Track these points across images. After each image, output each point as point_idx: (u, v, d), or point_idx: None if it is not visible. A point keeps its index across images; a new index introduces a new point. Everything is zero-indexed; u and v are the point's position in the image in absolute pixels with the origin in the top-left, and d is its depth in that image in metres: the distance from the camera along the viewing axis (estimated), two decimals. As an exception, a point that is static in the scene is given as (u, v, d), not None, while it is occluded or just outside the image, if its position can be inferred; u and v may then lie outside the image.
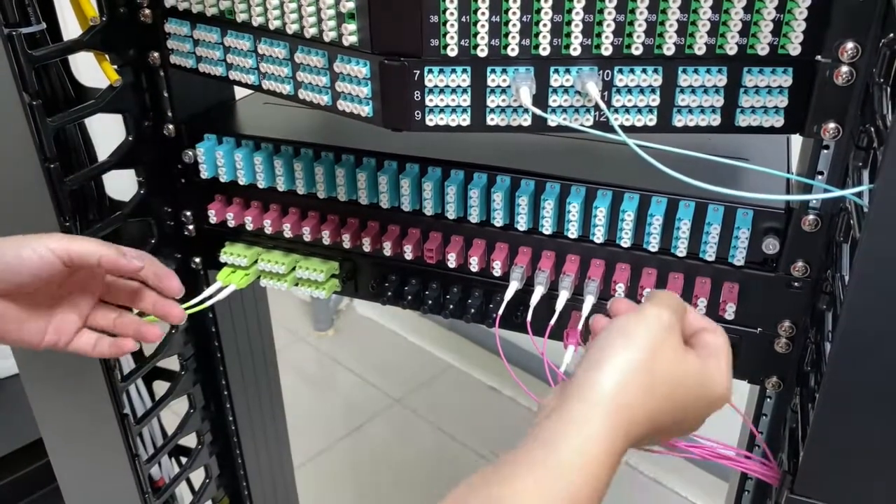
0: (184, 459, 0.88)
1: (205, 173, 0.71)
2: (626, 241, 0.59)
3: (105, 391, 0.73)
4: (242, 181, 0.70)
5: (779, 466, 0.55)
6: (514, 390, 1.84)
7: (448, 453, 1.71)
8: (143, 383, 0.81)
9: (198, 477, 0.91)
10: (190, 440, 0.88)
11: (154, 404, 0.80)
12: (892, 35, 0.44)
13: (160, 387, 0.83)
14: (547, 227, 0.61)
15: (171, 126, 0.72)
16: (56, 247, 0.55)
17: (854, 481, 0.46)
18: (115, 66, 0.67)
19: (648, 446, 0.50)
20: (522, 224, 0.62)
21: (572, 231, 0.61)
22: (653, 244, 0.59)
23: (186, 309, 0.67)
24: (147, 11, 0.67)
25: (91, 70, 0.69)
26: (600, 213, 0.60)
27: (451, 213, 0.64)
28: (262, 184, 0.70)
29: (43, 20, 0.63)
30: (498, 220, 0.62)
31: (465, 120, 0.53)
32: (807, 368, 0.56)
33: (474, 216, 0.63)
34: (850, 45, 0.47)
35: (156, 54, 0.69)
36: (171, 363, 0.83)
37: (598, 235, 0.61)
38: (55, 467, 0.83)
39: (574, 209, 0.60)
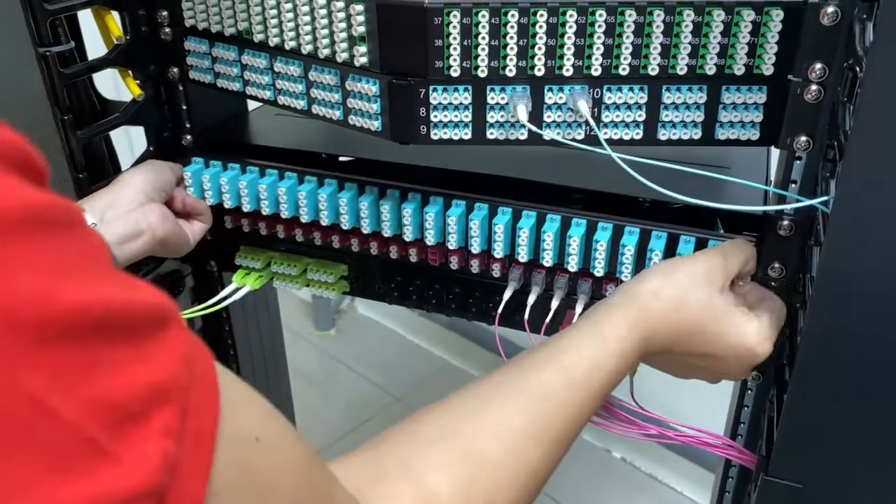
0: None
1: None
2: (625, 275, 0.62)
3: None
4: (228, 204, 0.72)
5: (757, 452, 0.60)
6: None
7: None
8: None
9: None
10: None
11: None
12: (852, 60, 0.49)
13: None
14: (547, 260, 0.63)
15: (188, 137, 0.77)
16: (167, 166, 0.71)
17: (821, 463, 0.50)
18: (138, 82, 0.72)
19: (667, 368, 0.59)
20: (523, 255, 0.63)
21: (572, 264, 0.63)
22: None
23: (203, 310, 0.71)
24: (167, 30, 0.71)
25: (103, 82, 0.74)
26: (601, 247, 0.61)
27: (453, 244, 0.66)
28: (247, 207, 0.72)
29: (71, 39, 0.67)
30: (498, 251, 0.64)
31: (466, 134, 0.58)
32: (783, 362, 0.61)
33: (475, 246, 0.65)
34: (818, 65, 0.52)
35: (175, 70, 0.73)
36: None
37: (599, 269, 0.62)
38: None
39: (574, 242, 0.62)
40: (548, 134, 0.57)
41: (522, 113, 0.55)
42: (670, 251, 0.61)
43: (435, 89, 0.56)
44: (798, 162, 0.58)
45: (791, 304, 0.61)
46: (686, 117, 0.56)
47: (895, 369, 0.45)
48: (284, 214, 0.70)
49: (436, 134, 0.58)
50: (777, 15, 0.52)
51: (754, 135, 0.56)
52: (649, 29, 0.53)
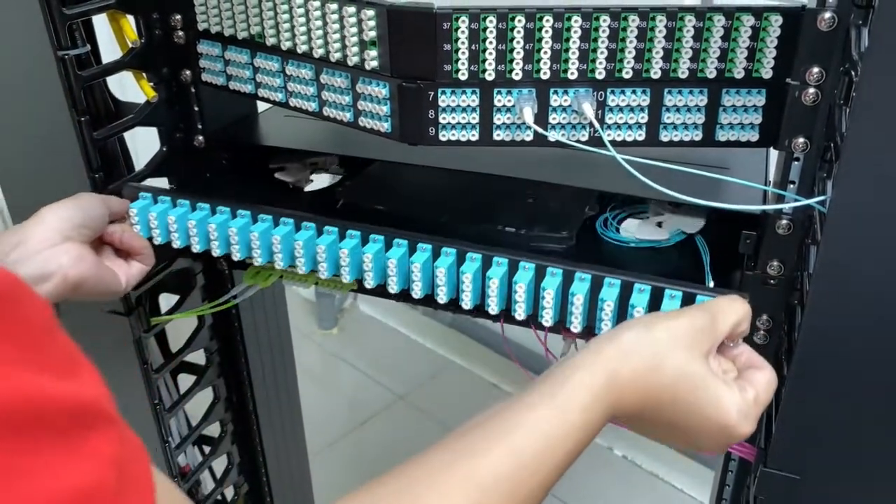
0: (206, 449, 0.95)
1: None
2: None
3: (140, 381, 0.79)
4: (176, 244, 0.68)
5: (756, 445, 0.61)
6: (515, 386, 1.89)
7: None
8: (169, 376, 0.88)
9: (218, 466, 0.97)
10: (212, 430, 0.94)
11: (183, 394, 0.86)
12: (848, 64, 0.50)
13: (183, 380, 0.90)
14: (520, 313, 0.58)
15: (200, 137, 0.79)
16: (100, 200, 0.65)
17: (817, 454, 0.52)
18: (152, 84, 0.74)
19: (636, 430, 0.50)
20: (493, 307, 0.58)
21: (546, 318, 0.57)
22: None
23: (213, 307, 0.73)
24: (180, 33, 0.73)
25: (114, 84, 0.76)
26: (608, 308, 0.55)
27: (443, 297, 0.60)
28: (196, 248, 0.67)
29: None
30: (493, 307, 0.59)
31: (474, 136, 0.60)
32: (781, 357, 0.63)
33: (466, 302, 0.59)
34: (815, 69, 0.53)
35: (187, 72, 0.75)
36: (194, 357, 0.89)
37: (576, 324, 0.57)
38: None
39: (549, 295, 0.56)
40: (553, 135, 0.58)
41: (529, 115, 0.56)
42: (654, 307, 0.55)
43: (443, 92, 0.58)
44: (796, 163, 0.59)
45: (789, 301, 0.63)
46: (687, 119, 0.58)
47: (890, 363, 0.47)
48: (236, 256, 0.66)
49: (444, 135, 0.60)
50: (776, 20, 0.53)
51: (753, 136, 0.58)
52: (652, 34, 0.55)
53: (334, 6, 0.58)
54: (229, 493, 1.01)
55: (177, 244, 0.68)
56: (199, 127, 0.78)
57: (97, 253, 0.64)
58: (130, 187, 0.69)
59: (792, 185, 0.60)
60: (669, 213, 0.70)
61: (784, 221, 0.61)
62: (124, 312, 0.74)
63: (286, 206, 0.66)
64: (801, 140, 0.56)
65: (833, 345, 0.48)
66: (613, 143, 0.57)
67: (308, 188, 0.78)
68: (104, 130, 0.69)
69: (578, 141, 0.58)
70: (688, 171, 0.56)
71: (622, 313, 0.56)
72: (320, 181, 0.79)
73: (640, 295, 0.55)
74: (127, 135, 0.75)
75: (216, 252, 0.67)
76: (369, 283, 0.62)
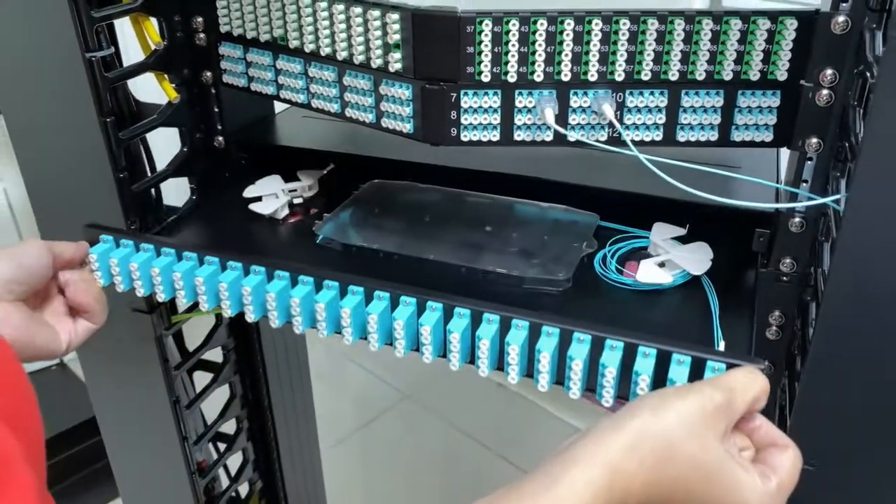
0: (221, 445, 0.96)
1: (100, 280, 0.64)
2: (606, 399, 0.52)
3: (160, 378, 0.80)
4: (140, 292, 0.63)
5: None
6: (521, 386, 1.91)
7: (457, 447, 1.77)
8: (185, 374, 0.89)
9: (232, 463, 0.99)
10: (226, 428, 0.95)
11: (201, 390, 0.87)
12: (862, 66, 0.52)
13: (198, 378, 0.91)
14: (543, 384, 0.52)
15: (220, 138, 0.80)
16: (45, 248, 0.59)
17: (832, 445, 0.53)
18: (173, 85, 0.75)
19: None
20: (514, 375, 0.53)
21: (574, 391, 0.52)
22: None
23: None
24: (202, 36, 0.74)
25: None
26: (609, 374, 0.50)
27: (428, 356, 0.55)
28: (161, 296, 0.63)
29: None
30: (483, 368, 0.54)
31: (495, 136, 0.61)
32: (794, 352, 0.64)
33: (455, 362, 0.54)
34: (829, 71, 0.55)
35: (208, 74, 0.76)
36: (210, 355, 0.90)
37: (575, 391, 0.53)
38: (108, 447, 0.90)
39: (577, 367, 0.51)
40: (572, 135, 0.60)
41: (550, 116, 0.58)
42: (660, 373, 0.50)
43: (466, 93, 0.59)
44: (809, 163, 0.61)
45: (802, 297, 0.64)
46: (704, 120, 0.59)
47: (904, 356, 0.48)
48: (204, 307, 0.62)
49: (465, 136, 0.61)
50: (791, 23, 0.55)
51: (768, 137, 0.59)
52: (670, 37, 0.56)
53: (358, 10, 0.60)
54: (243, 490, 1.02)
55: (140, 292, 0.63)
56: (219, 128, 0.80)
57: (41, 305, 0.60)
58: (90, 230, 0.65)
59: (804, 185, 0.62)
60: (673, 250, 0.66)
61: (797, 219, 0.62)
62: (147, 310, 0.75)
63: (261, 243, 0.65)
64: (814, 140, 0.58)
65: (848, 339, 0.50)
66: (631, 143, 0.59)
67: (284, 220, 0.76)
68: (129, 131, 0.70)
69: (598, 141, 0.60)
70: (705, 169, 0.58)
71: (625, 379, 0.51)
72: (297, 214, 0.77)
73: (645, 360, 0.50)
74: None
75: (182, 301, 0.64)
76: (348, 338, 0.57)
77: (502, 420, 1.85)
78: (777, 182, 0.70)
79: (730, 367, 0.49)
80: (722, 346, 0.56)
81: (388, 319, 0.56)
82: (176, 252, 0.62)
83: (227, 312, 0.61)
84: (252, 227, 0.75)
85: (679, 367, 0.50)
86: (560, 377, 0.53)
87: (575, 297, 0.64)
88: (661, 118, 0.59)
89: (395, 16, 0.58)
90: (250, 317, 0.60)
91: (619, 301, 0.63)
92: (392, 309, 0.56)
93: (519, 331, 0.53)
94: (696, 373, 0.50)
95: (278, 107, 0.87)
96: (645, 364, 0.50)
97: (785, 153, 0.67)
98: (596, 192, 0.72)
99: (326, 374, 2.05)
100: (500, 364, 0.54)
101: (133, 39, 0.73)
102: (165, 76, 0.74)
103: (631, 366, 0.50)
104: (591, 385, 0.52)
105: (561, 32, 0.56)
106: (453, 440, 1.79)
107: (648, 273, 0.64)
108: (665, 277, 0.64)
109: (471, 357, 0.55)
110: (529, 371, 0.54)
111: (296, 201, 0.78)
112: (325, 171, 0.81)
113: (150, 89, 0.76)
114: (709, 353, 0.50)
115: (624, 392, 0.51)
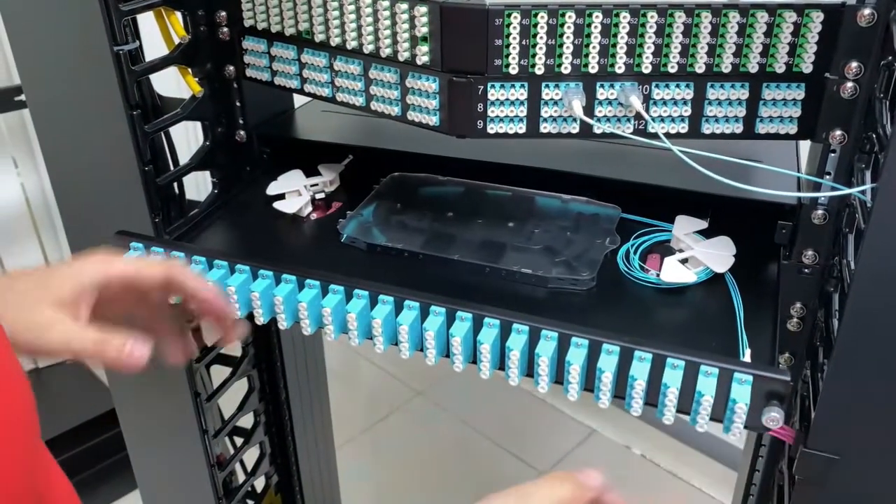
0: (237, 441, 0.96)
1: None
2: (635, 409, 0.54)
3: (181, 372, 0.81)
4: (171, 300, 0.63)
5: (792, 427, 0.63)
6: (530, 383, 1.91)
7: (469, 443, 1.78)
8: (204, 368, 0.89)
9: (248, 458, 0.99)
10: (243, 423, 0.96)
11: (221, 383, 0.87)
12: (890, 57, 0.52)
13: (215, 372, 0.91)
14: (573, 394, 0.54)
15: (242, 132, 0.80)
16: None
17: (856, 434, 0.54)
18: (197, 79, 0.75)
19: None
20: (543, 385, 0.54)
21: (604, 401, 0.53)
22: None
23: None
24: (225, 30, 0.75)
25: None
26: (639, 387, 0.52)
27: (459, 365, 0.56)
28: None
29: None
30: (513, 377, 0.55)
31: (521, 128, 0.61)
32: (816, 343, 0.64)
33: (485, 371, 0.56)
34: (854, 64, 0.55)
35: (231, 68, 0.77)
36: (229, 349, 0.91)
37: (604, 400, 0.54)
38: (127, 440, 0.91)
39: (607, 379, 0.52)
40: (599, 127, 0.60)
41: (578, 108, 0.58)
42: (688, 385, 0.52)
43: (493, 86, 0.60)
44: (832, 155, 0.61)
45: (824, 288, 0.65)
46: (729, 112, 0.59)
47: (931, 345, 0.49)
48: (236, 315, 0.63)
49: (492, 128, 0.61)
50: (817, 16, 0.55)
51: (792, 129, 0.60)
52: (696, 30, 0.56)
53: (386, 3, 0.60)
54: (259, 483, 1.03)
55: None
56: (241, 122, 0.80)
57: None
58: (119, 237, 0.66)
59: (828, 176, 0.62)
60: (696, 246, 0.67)
61: (820, 211, 0.62)
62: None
63: (287, 245, 0.67)
64: (838, 132, 0.58)
65: (875, 329, 0.50)
66: (656, 135, 0.59)
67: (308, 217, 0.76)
68: (154, 124, 0.70)
69: (624, 132, 0.60)
70: (725, 159, 0.58)
71: (653, 391, 0.52)
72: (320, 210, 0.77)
73: (674, 372, 0.51)
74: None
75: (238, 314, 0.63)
76: (380, 346, 0.58)
77: (514, 417, 1.85)
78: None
79: (756, 379, 0.51)
80: (748, 356, 0.56)
81: (419, 329, 0.57)
82: (207, 261, 0.63)
83: (260, 320, 0.62)
84: (277, 226, 0.75)
85: (707, 379, 0.51)
86: (589, 385, 0.54)
87: (600, 297, 0.64)
88: (687, 110, 0.60)
89: (423, 9, 0.58)
90: (282, 324, 0.61)
91: (643, 300, 0.64)
92: (422, 319, 0.57)
93: (548, 342, 0.54)
94: (724, 384, 0.51)
95: (297, 101, 0.88)
96: (673, 376, 0.51)
97: (805, 149, 0.67)
98: (617, 184, 0.72)
99: (340, 372, 2.05)
100: (529, 371, 0.55)
101: (152, 36, 0.74)
102: (189, 70, 0.75)
103: (659, 377, 0.52)
104: (620, 393, 0.54)
105: (589, 25, 0.57)
106: (465, 437, 1.79)
107: (672, 271, 0.65)
108: (689, 276, 0.64)
109: (500, 365, 0.56)
110: (559, 379, 0.55)
111: (318, 196, 0.79)
112: (343, 165, 0.82)
113: (169, 85, 0.77)
114: (735, 364, 0.51)
115: (653, 399, 0.53)
